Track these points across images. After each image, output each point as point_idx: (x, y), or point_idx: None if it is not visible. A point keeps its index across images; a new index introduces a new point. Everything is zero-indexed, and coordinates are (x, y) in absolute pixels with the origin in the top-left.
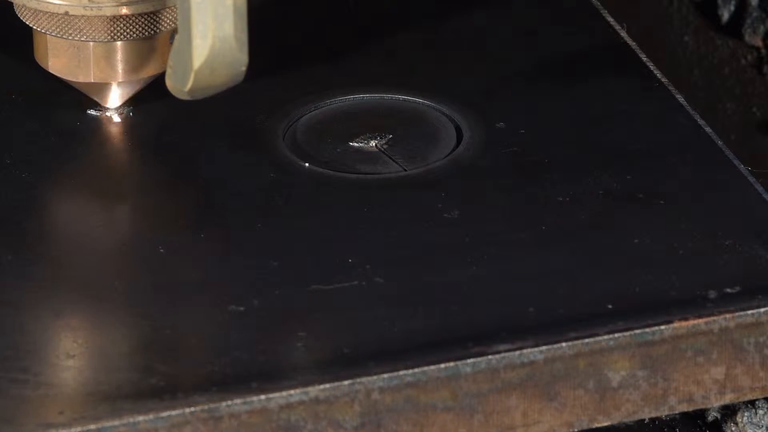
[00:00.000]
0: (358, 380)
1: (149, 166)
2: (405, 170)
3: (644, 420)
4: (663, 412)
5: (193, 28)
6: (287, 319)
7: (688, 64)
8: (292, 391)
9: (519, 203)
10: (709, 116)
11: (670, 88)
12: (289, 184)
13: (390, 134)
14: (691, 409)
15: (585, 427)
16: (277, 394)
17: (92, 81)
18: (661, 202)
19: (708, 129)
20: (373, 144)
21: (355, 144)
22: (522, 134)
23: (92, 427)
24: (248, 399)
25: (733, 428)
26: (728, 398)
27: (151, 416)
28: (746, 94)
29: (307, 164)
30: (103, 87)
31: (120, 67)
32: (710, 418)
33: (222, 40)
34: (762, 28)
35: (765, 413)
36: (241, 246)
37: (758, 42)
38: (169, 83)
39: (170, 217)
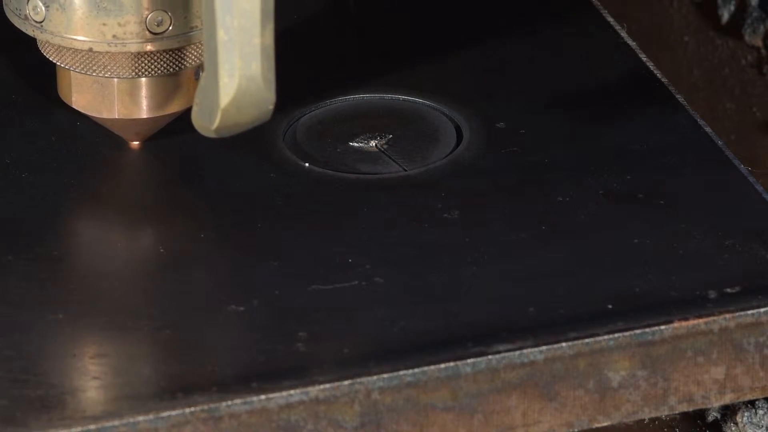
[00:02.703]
0: (358, 380)
1: (149, 166)
2: (405, 170)
3: (644, 420)
4: (663, 412)
5: (219, 67)
6: (287, 319)
7: (688, 64)
8: (292, 391)
9: (519, 203)
10: (709, 116)
11: (670, 88)
12: (289, 184)
13: (390, 134)
14: (691, 409)
15: (585, 427)
16: (277, 394)
17: (116, 117)
18: (661, 202)
19: (708, 129)
20: (373, 144)
21: (355, 144)
22: (522, 134)
23: (92, 427)
24: (248, 399)
25: (733, 428)
26: (728, 398)
27: (151, 416)
28: (746, 94)
29: (307, 164)
30: (127, 123)
31: (144, 103)
32: (710, 418)
33: (249, 79)
34: (762, 28)
35: (765, 413)
36: (241, 246)
37: (758, 42)
38: (196, 121)
39: (170, 217)
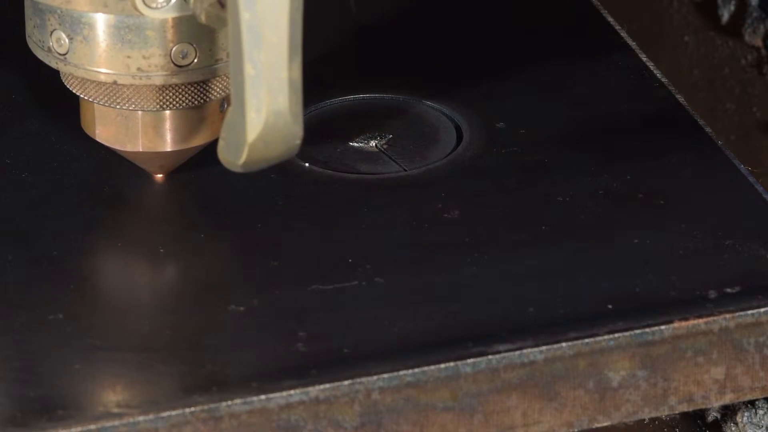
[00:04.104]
0: (358, 380)
1: None
2: (405, 170)
3: (644, 420)
4: (663, 412)
5: (246, 102)
6: (287, 319)
7: (688, 64)
8: (292, 391)
9: (519, 203)
10: (709, 116)
11: (670, 88)
12: (289, 184)
13: (390, 134)
14: (691, 409)
15: (585, 427)
16: (277, 394)
17: (140, 150)
18: (661, 202)
19: (708, 129)
20: (373, 144)
21: (355, 144)
22: (522, 134)
23: (92, 427)
24: (248, 399)
25: (733, 428)
26: (728, 398)
27: (151, 416)
28: (746, 94)
29: (307, 164)
30: (151, 156)
31: (168, 136)
32: (710, 418)
33: (276, 114)
34: (762, 28)
35: (765, 413)
36: (241, 246)
37: (758, 42)
38: (222, 156)
39: (170, 217)
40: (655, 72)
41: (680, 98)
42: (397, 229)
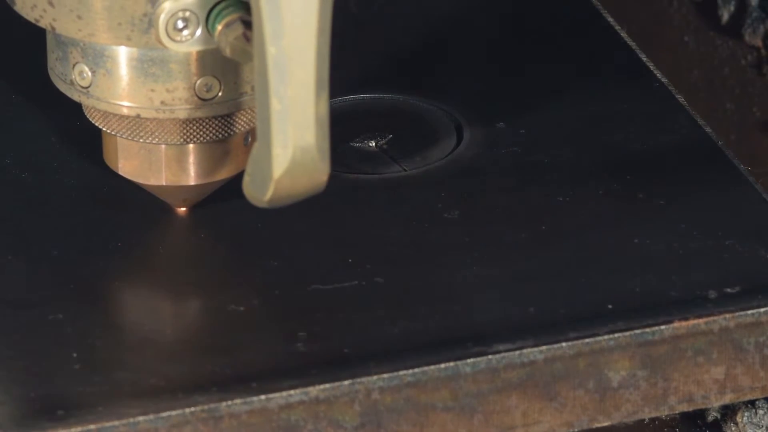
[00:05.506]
0: (358, 380)
1: None
2: (405, 170)
3: (644, 420)
4: (663, 412)
5: (272, 137)
6: (287, 319)
7: (688, 64)
8: (292, 391)
9: (519, 203)
10: (709, 116)
11: (670, 88)
12: None
13: (390, 134)
14: (691, 409)
15: (585, 427)
16: (277, 394)
17: (164, 184)
18: (661, 202)
19: (708, 129)
20: (373, 144)
21: (355, 144)
22: (522, 134)
23: (92, 427)
24: (248, 399)
25: (733, 428)
26: (728, 398)
27: (151, 416)
28: (746, 94)
29: None
30: (174, 190)
31: (192, 169)
32: (710, 418)
33: (303, 150)
34: (762, 28)
35: (765, 413)
36: (241, 246)
37: (758, 42)
38: (248, 192)
39: (170, 217)
40: (655, 72)
41: (680, 98)
42: (397, 229)
